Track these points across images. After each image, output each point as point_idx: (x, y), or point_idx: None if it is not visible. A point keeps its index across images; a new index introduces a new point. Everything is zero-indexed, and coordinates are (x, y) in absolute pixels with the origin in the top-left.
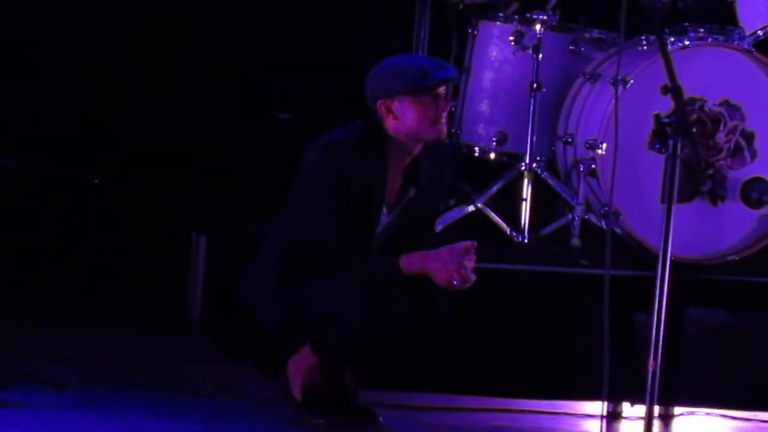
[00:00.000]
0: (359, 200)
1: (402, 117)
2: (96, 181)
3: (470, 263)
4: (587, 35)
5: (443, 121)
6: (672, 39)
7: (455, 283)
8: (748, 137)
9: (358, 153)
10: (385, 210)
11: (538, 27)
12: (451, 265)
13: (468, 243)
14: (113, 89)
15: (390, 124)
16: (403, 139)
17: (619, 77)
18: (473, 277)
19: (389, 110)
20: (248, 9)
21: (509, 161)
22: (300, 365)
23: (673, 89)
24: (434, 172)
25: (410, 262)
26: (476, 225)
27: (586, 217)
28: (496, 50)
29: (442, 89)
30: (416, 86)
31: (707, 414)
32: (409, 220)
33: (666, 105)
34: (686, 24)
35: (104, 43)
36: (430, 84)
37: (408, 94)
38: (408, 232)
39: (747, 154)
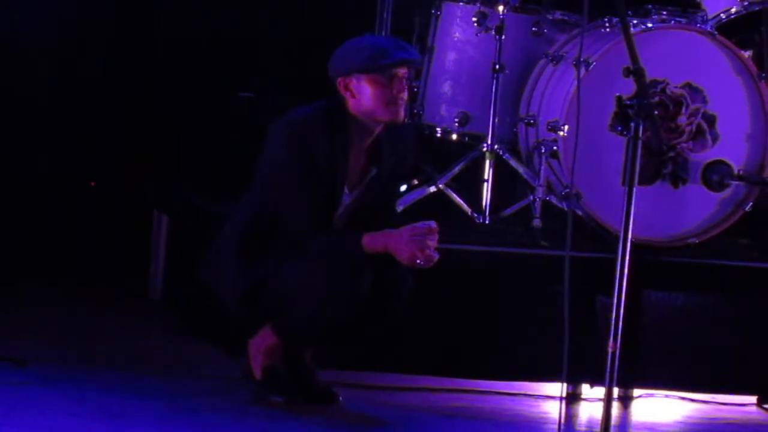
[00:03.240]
0: (321, 179)
1: (359, 96)
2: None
3: (433, 242)
4: (550, 17)
5: (400, 103)
6: (635, 21)
7: (418, 261)
8: (710, 120)
9: (321, 132)
10: (346, 189)
11: (500, 8)
12: (414, 245)
13: (430, 222)
14: (75, 68)
15: (350, 102)
16: (362, 118)
17: (581, 59)
18: (436, 256)
19: (347, 88)
20: None
21: (471, 142)
22: (260, 345)
23: (636, 71)
24: (396, 153)
25: (373, 241)
26: (438, 206)
27: (548, 198)
28: (459, 31)
29: (401, 71)
30: (372, 65)
31: (666, 396)
32: (370, 200)
33: (628, 87)
34: (649, 6)
35: (61, 22)
36: (386, 63)
37: (364, 72)
38: (369, 212)
39: (708, 137)
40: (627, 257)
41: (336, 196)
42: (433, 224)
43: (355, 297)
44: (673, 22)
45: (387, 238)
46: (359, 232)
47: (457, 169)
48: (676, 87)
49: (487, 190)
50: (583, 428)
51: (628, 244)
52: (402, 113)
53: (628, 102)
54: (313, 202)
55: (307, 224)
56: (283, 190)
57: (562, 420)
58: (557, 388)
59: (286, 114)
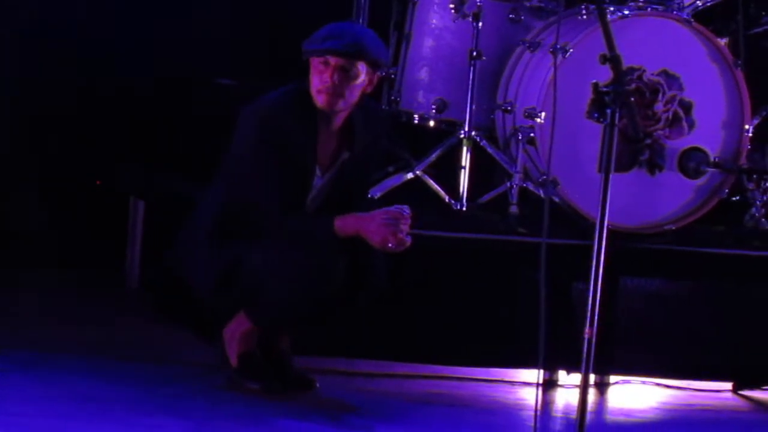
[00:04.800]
0: (292, 163)
1: (311, 79)
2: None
3: (405, 226)
4: (527, 4)
5: (329, 91)
6: (611, 8)
7: (390, 245)
8: (686, 107)
9: (289, 116)
10: (319, 172)
11: None
12: (386, 228)
13: (403, 207)
14: (52, 52)
15: None
16: None
17: (558, 46)
18: (408, 240)
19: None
20: None
21: (448, 129)
22: (235, 331)
23: (612, 58)
24: (368, 135)
25: (344, 224)
26: (415, 192)
27: (525, 185)
28: (436, 18)
29: (332, 60)
30: (305, 49)
31: (642, 382)
32: (343, 184)
33: (605, 74)
34: None
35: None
36: (310, 49)
37: (304, 56)
38: (342, 197)
39: (685, 124)
40: (603, 244)
41: (307, 179)
42: (406, 209)
43: (327, 280)
44: (649, 9)
45: (359, 222)
46: (331, 215)
47: (434, 156)
48: (652, 74)
49: (464, 177)
50: (559, 414)
51: (605, 231)
52: (328, 102)
53: (605, 89)
54: (284, 187)
55: (278, 209)
56: (254, 175)
57: (539, 406)
58: (534, 375)
59: (256, 100)
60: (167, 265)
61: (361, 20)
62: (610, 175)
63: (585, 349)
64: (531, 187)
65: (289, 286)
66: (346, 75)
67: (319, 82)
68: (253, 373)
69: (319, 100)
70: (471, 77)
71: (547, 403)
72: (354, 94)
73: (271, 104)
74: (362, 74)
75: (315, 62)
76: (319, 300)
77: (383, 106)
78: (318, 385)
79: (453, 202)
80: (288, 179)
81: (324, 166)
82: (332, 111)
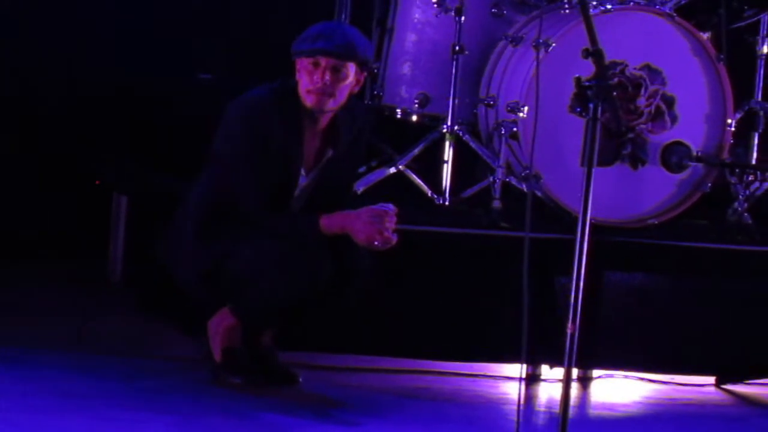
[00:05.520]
0: (276, 162)
1: (298, 78)
2: (97, 182)
3: (391, 224)
4: None
5: (320, 92)
6: (594, 3)
7: (376, 243)
8: (669, 102)
9: (275, 113)
10: (303, 171)
11: None
12: (372, 227)
13: (389, 205)
14: (35, 47)
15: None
16: None
17: (541, 40)
18: (394, 239)
19: (297, 71)
20: None
21: (431, 123)
22: (219, 326)
23: (594, 53)
24: (351, 134)
25: (330, 222)
26: (398, 187)
27: (507, 179)
28: (419, 12)
29: (323, 60)
30: (294, 50)
31: (625, 377)
32: (327, 182)
33: (587, 68)
34: None
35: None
36: (298, 50)
37: (294, 56)
38: (327, 194)
39: (667, 118)
40: (586, 238)
41: (292, 178)
42: (392, 207)
43: (311, 277)
44: (632, 3)
45: (344, 220)
46: (316, 213)
47: (416, 151)
48: (635, 68)
49: (446, 172)
50: (542, 409)
51: (587, 225)
52: (319, 102)
53: (587, 83)
54: (268, 186)
55: (264, 206)
56: (238, 173)
57: (522, 401)
58: (517, 369)
59: (242, 96)
60: (156, 259)
61: (343, 15)
62: (593, 170)
63: (568, 344)
64: (514, 181)
65: (274, 282)
66: (336, 75)
67: (309, 82)
68: (236, 367)
69: (309, 100)
70: (454, 72)
71: (530, 398)
72: (343, 94)
73: (256, 102)
74: (351, 74)
75: (304, 62)
76: (304, 297)
77: (366, 101)
78: (302, 379)
79: (436, 196)
80: (271, 177)
81: (309, 166)
82: (321, 111)
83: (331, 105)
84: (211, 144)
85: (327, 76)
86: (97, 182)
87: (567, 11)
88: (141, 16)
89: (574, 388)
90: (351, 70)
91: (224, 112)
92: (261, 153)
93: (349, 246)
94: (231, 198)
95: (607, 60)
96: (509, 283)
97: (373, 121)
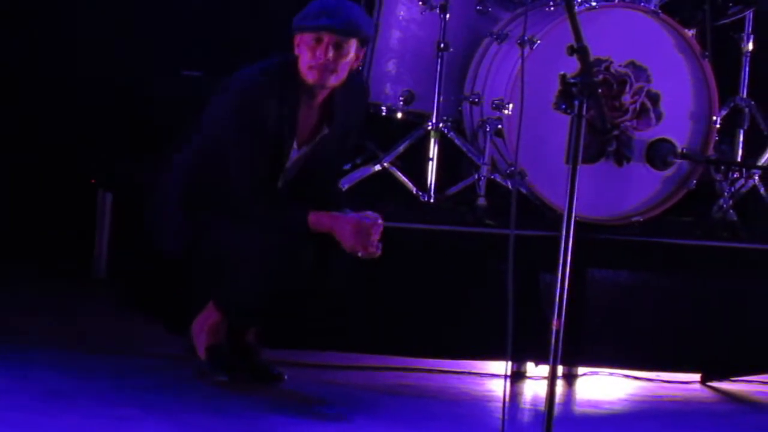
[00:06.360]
0: (269, 138)
1: (298, 54)
2: (92, 180)
3: (376, 235)
4: None
5: (321, 68)
6: (579, 0)
7: (360, 254)
8: (654, 99)
9: (274, 88)
10: (296, 146)
11: None
12: (359, 237)
13: (377, 217)
14: (18, 41)
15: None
16: None
17: (525, 37)
18: (378, 252)
19: (296, 46)
20: None
21: (416, 121)
22: (203, 324)
23: (579, 50)
24: (347, 112)
25: (318, 221)
26: (382, 184)
27: (492, 176)
28: (404, 9)
29: (326, 36)
30: (297, 25)
31: (610, 374)
32: (319, 157)
33: (572, 65)
34: None
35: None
36: (301, 26)
37: (295, 32)
38: (317, 169)
39: (652, 115)
40: (571, 235)
41: (284, 152)
42: (379, 219)
43: (293, 270)
44: (617, 0)
45: (333, 222)
46: (306, 208)
47: (401, 148)
48: (620, 65)
49: (431, 169)
50: (527, 406)
51: (572, 222)
52: (321, 78)
53: (572, 80)
54: (260, 164)
55: (251, 186)
56: (231, 155)
57: (507, 398)
58: (502, 367)
59: (240, 71)
60: (139, 253)
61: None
62: (578, 167)
63: (553, 341)
64: (499, 178)
65: (258, 270)
66: (339, 52)
67: (311, 58)
68: (221, 364)
69: (310, 76)
70: (438, 69)
71: (515, 395)
72: (345, 70)
73: (254, 77)
74: (353, 51)
75: (306, 38)
76: (286, 289)
77: None
78: (287, 377)
79: (421, 193)
80: (262, 157)
81: (302, 140)
82: (323, 87)
83: (333, 81)
84: (202, 112)
85: (330, 52)
86: (92, 181)
87: (552, 8)
88: (125, 11)
89: (559, 386)
90: (353, 46)
91: (220, 87)
92: (253, 133)
93: (333, 245)
94: (221, 173)
95: (592, 57)
96: (494, 280)
97: (367, 98)
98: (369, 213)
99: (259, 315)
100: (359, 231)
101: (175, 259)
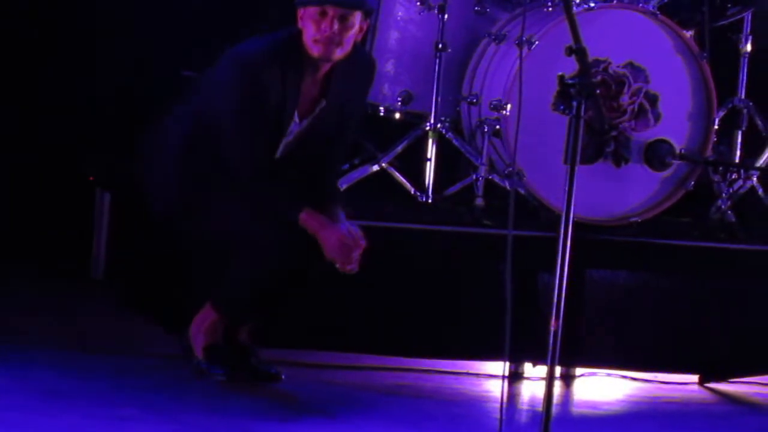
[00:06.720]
0: (273, 106)
1: (302, 28)
2: (91, 178)
3: (357, 254)
4: None
5: (327, 41)
6: (577, 0)
7: (337, 266)
8: (652, 99)
9: (278, 62)
10: (297, 118)
11: None
12: (341, 251)
13: (362, 239)
14: (17, 41)
15: (303, 34)
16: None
17: (524, 38)
18: (356, 269)
19: (300, 19)
20: None
21: (414, 121)
22: (200, 326)
23: (578, 50)
24: (348, 87)
25: (308, 221)
26: (380, 184)
27: (490, 177)
28: (402, 10)
29: (330, 10)
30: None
31: (608, 375)
32: (320, 130)
33: (571, 66)
34: None
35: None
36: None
37: (298, 6)
38: (318, 143)
39: (650, 116)
40: (569, 236)
41: (285, 124)
42: (363, 240)
43: (288, 253)
44: (615, 1)
45: (321, 228)
46: (300, 204)
47: (399, 148)
48: (618, 66)
49: (430, 169)
50: (525, 407)
51: (570, 223)
52: (327, 51)
53: (570, 81)
54: (256, 141)
55: (246, 161)
56: (227, 122)
57: (505, 399)
58: (500, 367)
59: (244, 46)
60: (136, 251)
61: None
62: (576, 167)
63: (551, 342)
64: (497, 179)
65: (251, 259)
66: (344, 24)
67: (316, 31)
68: (219, 363)
69: (316, 50)
70: (436, 69)
71: (512, 396)
72: (350, 43)
73: (256, 54)
74: (357, 23)
75: (310, 11)
76: (280, 276)
77: None
78: (284, 377)
79: (419, 194)
80: (262, 133)
81: (303, 112)
82: (328, 60)
83: (339, 53)
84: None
85: (335, 25)
86: (90, 178)
87: (550, 9)
88: (124, 11)
89: (557, 386)
90: (357, 18)
91: (221, 59)
92: (256, 106)
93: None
94: (217, 143)
95: (590, 58)
96: (492, 280)
97: (373, 74)
98: (355, 230)
99: (254, 307)
100: (343, 245)
101: (166, 221)
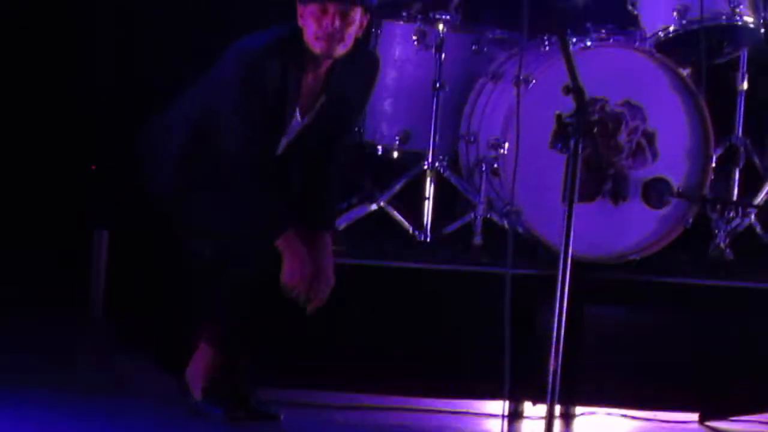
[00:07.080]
0: (274, 102)
1: (303, 25)
2: (93, 167)
3: (319, 290)
4: (490, 35)
5: (329, 37)
6: (574, 39)
7: (294, 294)
8: (650, 137)
9: (280, 58)
10: (298, 115)
11: (440, 27)
12: (297, 280)
13: (329, 287)
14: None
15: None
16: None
17: (521, 77)
18: (312, 307)
19: (299, 17)
20: None
21: (412, 160)
22: (197, 369)
23: (575, 89)
24: (348, 83)
25: (286, 241)
26: (379, 223)
27: (488, 216)
28: (399, 49)
29: (331, 6)
30: None
31: (608, 414)
32: (321, 126)
33: (568, 105)
34: (588, 24)
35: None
36: None
37: (300, 3)
38: (320, 139)
39: (648, 154)
40: (568, 274)
41: (286, 120)
42: (332, 281)
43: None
44: (612, 40)
45: (294, 252)
46: (283, 225)
47: (397, 187)
48: (615, 105)
49: (428, 208)
50: None
51: (569, 261)
52: (329, 47)
53: (568, 119)
54: (254, 140)
55: (248, 158)
56: (229, 115)
57: None
58: (499, 406)
59: (246, 41)
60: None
61: None
62: (574, 205)
63: (550, 380)
64: (495, 217)
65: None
66: (345, 21)
67: (318, 28)
68: (217, 401)
69: (318, 46)
70: (434, 108)
71: None
72: (351, 39)
73: (261, 46)
74: (358, 18)
75: (311, 9)
76: (255, 277)
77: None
78: (283, 417)
79: (417, 232)
80: (263, 129)
81: (304, 108)
82: (330, 56)
83: (341, 49)
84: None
85: (336, 22)
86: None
87: (547, 48)
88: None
89: (557, 426)
90: (357, 14)
91: (225, 55)
92: (256, 104)
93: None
94: (215, 140)
95: (588, 96)
96: (491, 319)
97: (376, 71)
98: (328, 264)
99: (242, 322)
100: (301, 276)
101: (158, 203)
